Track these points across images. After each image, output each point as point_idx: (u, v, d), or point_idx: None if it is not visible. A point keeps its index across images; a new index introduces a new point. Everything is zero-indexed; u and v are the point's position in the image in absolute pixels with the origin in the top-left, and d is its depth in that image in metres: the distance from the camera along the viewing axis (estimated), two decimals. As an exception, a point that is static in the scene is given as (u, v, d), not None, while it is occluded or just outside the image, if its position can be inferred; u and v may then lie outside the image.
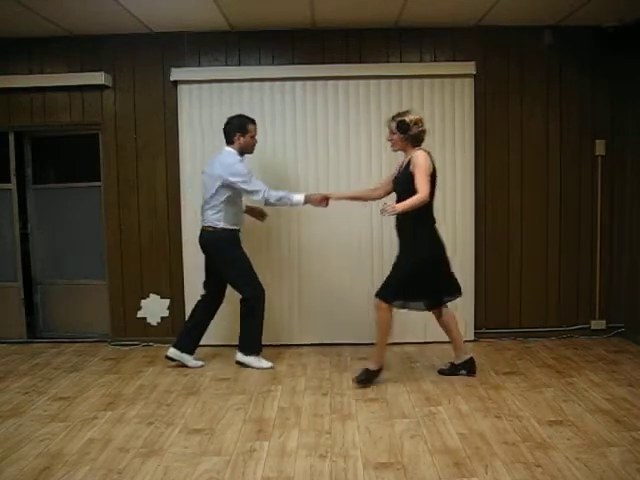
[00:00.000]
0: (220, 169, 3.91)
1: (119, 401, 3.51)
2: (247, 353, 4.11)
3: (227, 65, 4.62)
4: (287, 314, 4.70)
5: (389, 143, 3.75)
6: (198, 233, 4.09)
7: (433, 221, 3.67)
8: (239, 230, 4.10)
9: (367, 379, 3.69)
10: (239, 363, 4.12)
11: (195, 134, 4.63)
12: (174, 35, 4.58)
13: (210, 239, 4.02)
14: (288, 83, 4.58)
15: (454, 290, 3.77)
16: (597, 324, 4.75)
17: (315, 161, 4.62)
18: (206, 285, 4.17)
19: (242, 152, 4.02)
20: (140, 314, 4.79)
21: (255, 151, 4.61)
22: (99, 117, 4.69)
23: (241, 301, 4.08)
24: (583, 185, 4.70)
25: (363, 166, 4.60)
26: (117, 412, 3.33)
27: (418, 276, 3.58)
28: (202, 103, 4.60)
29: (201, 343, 4.18)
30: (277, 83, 4.58)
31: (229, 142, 4.01)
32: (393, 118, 3.68)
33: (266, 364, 4.11)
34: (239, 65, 4.63)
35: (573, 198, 4.71)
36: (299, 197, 3.99)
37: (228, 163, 3.92)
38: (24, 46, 4.62)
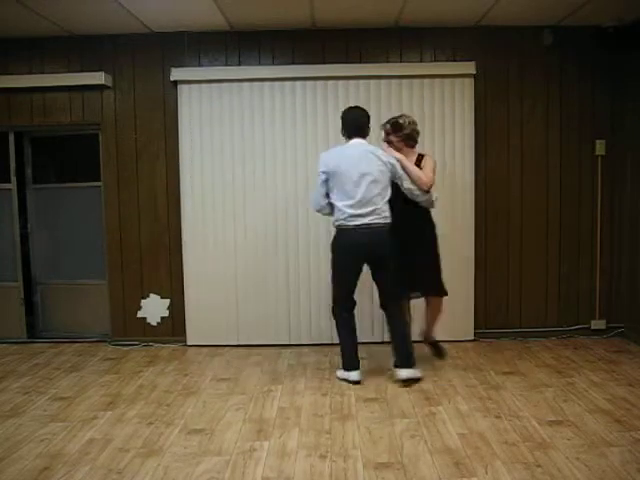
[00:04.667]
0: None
1: (119, 401, 3.51)
2: None
3: (227, 65, 4.62)
4: (286, 314, 4.70)
5: (383, 145, 3.90)
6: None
7: None
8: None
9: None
10: None
11: (195, 134, 4.63)
12: (174, 35, 4.58)
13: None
14: (288, 83, 4.58)
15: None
16: (597, 324, 4.75)
17: (315, 161, 4.61)
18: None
19: None
20: (140, 314, 4.79)
21: (255, 151, 4.63)
22: (99, 117, 4.69)
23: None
24: (583, 185, 4.70)
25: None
26: (117, 412, 3.33)
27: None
28: (202, 103, 4.60)
29: (202, 343, 4.15)
30: (277, 83, 4.58)
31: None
32: (387, 121, 3.93)
33: None
34: (239, 65, 4.62)
35: (573, 198, 4.71)
36: None
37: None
38: (24, 46, 4.62)
